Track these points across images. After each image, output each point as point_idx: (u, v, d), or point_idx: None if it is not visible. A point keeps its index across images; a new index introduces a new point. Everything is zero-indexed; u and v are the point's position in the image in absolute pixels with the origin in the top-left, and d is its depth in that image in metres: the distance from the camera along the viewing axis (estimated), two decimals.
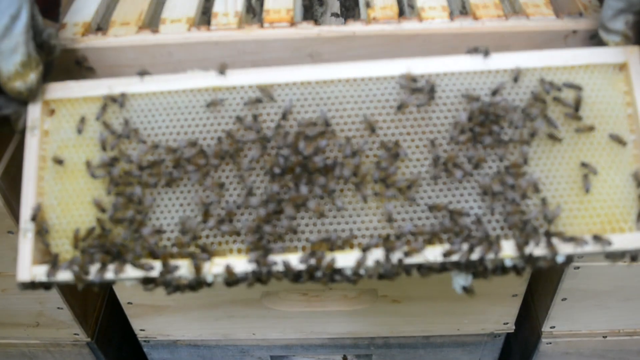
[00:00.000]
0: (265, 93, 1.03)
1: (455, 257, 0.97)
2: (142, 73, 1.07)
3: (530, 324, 1.60)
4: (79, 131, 1.04)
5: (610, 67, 1.04)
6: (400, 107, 1.01)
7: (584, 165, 1.00)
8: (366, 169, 1.01)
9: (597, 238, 0.96)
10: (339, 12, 1.44)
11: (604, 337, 1.55)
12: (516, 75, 1.02)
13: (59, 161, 1.03)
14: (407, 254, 0.97)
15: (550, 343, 1.57)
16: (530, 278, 1.43)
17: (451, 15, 1.15)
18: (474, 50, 1.04)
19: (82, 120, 1.04)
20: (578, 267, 1.34)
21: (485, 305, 1.50)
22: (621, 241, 0.97)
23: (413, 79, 1.02)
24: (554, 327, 1.53)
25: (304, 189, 0.99)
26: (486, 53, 1.03)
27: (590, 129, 1.01)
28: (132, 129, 1.03)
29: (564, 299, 1.44)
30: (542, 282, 1.50)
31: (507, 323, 1.56)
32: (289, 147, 1.00)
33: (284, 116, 1.02)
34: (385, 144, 1.01)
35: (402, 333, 1.60)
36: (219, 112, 1.04)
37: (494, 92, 1.02)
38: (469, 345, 1.64)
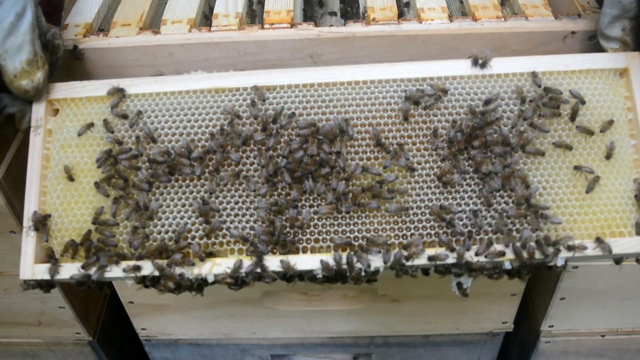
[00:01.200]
0: (259, 94, 1.04)
1: (448, 260, 0.98)
2: (158, 74, 1.08)
3: (529, 323, 1.61)
4: (79, 134, 1.05)
5: (611, 73, 1.05)
6: (407, 118, 1.02)
7: (577, 168, 1.01)
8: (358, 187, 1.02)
9: (599, 240, 0.97)
10: (335, 11, 1.45)
11: (602, 336, 1.56)
12: (522, 98, 1.03)
13: (69, 176, 1.03)
14: (407, 258, 0.98)
15: (549, 342, 1.57)
16: (529, 277, 1.43)
17: (450, 16, 1.16)
18: (473, 62, 1.04)
19: (88, 126, 1.05)
20: (576, 267, 1.35)
21: (484, 305, 1.50)
22: (621, 245, 0.98)
23: (444, 90, 1.03)
24: (552, 326, 1.53)
25: (305, 214, 1.00)
26: (483, 65, 1.04)
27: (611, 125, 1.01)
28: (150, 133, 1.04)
29: (562, 298, 1.44)
30: (541, 282, 1.50)
31: (506, 322, 1.57)
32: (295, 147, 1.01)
33: (275, 119, 1.02)
34: (387, 147, 1.02)
35: (401, 332, 1.60)
36: (222, 114, 1.05)
37: (487, 102, 1.02)
38: (468, 344, 1.65)
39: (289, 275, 0.99)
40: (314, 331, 1.60)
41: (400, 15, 1.25)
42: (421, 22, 1.15)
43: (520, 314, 1.54)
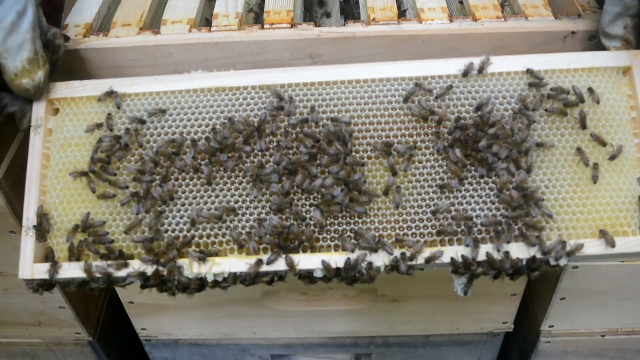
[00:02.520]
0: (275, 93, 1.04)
1: (444, 259, 0.97)
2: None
3: (529, 323, 1.61)
4: (87, 131, 1.05)
5: (614, 71, 1.04)
6: (426, 118, 1.02)
7: (579, 149, 1.00)
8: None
9: (603, 232, 0.97)
10: (330, 12, 1.46)
11: (602, 336, 1.56)
12: (524, 106, 1.02)
13: (83, 173, 1.03)
14: (411, 258, 0.97)
15: (549, 342, 1.57)
16: (530, 277, 1.43)
17: (450, 16, 1.15)
18: (463, 74, 1.03)
19: (97, 125, 1.05)
20: (576, 267, 1.35)
21: (484, 305, 1.50)
22: (625, 244, 0.97)
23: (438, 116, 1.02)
24: (552, 326, 1.53)
25: (307, 231, 0.99)
26: (480, 71, 1.04)
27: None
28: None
29: (562, 298, 1.44)
30: (541, 282, 1.50)
31: (506, 322, 1.57)
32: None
33: (259, 128, 1.02)
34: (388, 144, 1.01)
35: (401, 332, 1.60)
36: (222, 113, 1.05)
37: (478, 108, 1.02)
38: (468, 344, 1.65)
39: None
40: (314, 331, 1.60)
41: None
42: (421, 22, 1.15)
43: (520, 314, 1.54)
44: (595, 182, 0.99)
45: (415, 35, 1.13)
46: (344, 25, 1.16)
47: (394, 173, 1.00)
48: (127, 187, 1.02)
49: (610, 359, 1.62)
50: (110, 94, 1.05)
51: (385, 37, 1.13)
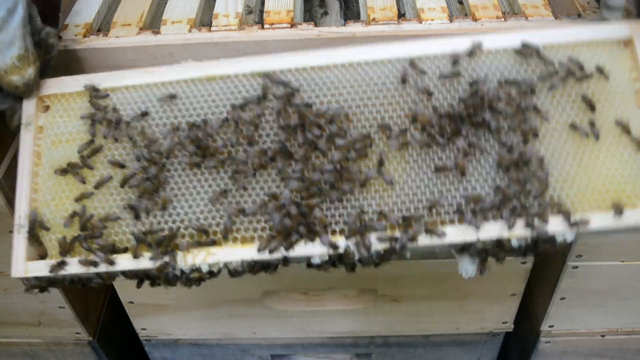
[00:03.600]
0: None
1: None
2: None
3: (529, 323, 1.61)
4: (82, 117, 1.03)
5: (615, 43, 0.99)
6: (431, 94, 0.98)
7: (572, 126, 0.97)
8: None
9: (615, 205, 0.93)
10: (328, 11, 1.46)
11: (602, 336, 1.56)
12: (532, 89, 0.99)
13: (63, 170, 1.02)
14: (411, 239, 0.94)
15: (549, 342, 1.57)
16: (529, 277, 1.43)
17: (450, 16, 1.16)
18: (452, 63, 0.99)
19: (91, 115, 1.02)
20: (576, 267, 1.35)
21: (484, 305, 1.50)
22: (634, 216, 0.93)
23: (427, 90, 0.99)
24: (552, 326, 1.53)
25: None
26: (471, 54, 0.99)
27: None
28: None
29: (562, 298, 1.44)
30: (541, 282, 1.50)
31: (506, 322, 1.57)
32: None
33: (243, 107, 0.99)
34: (386, 126, 0.98)
35: (401, 332, 1.60)
36: (213, 102, 1.01)
37: (472, 84, 0.97)
38: (468, 344, 1.65)
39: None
40: (314, 331, 1.60)
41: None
42: (421, 22, 1.15)
43: (520, 314, 1.54)
44: (597, 139, 0.95)
45: (415, 35, 1.13)
46: (344, 25, 1.16)
47: (381, 164, 0.97)
48: (110, 178, 1.00)
49: (610, 359, 1.63)
50: (96, 90, 1.03)
51: (385, 37, 1.13)
